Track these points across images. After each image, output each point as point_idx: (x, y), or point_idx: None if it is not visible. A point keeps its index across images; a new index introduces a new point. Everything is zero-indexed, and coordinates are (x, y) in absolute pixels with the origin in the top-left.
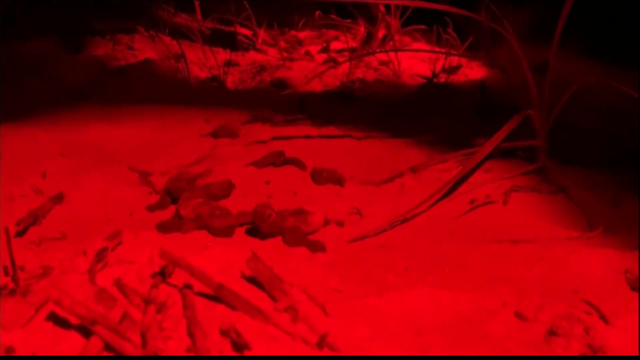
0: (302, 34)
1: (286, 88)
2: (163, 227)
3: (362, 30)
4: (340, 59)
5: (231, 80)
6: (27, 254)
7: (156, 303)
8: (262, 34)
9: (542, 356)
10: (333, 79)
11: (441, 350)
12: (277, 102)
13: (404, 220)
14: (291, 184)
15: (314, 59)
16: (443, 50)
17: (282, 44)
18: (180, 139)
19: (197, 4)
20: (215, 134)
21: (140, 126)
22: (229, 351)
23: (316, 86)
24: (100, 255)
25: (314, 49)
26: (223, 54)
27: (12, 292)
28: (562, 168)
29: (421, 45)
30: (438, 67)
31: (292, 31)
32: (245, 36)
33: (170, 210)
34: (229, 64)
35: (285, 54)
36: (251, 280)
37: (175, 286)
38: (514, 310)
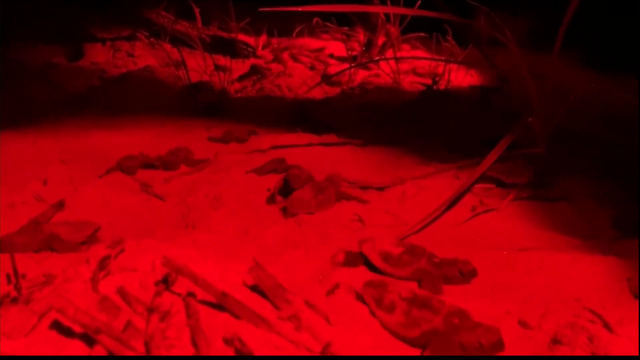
0: (302, 41)
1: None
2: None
3: (361, 37)
4: (341, 66)
5: (232, 88)
6: (29, 261)
7: (159, 311)
8: (262, 41)
9: (543, 356)
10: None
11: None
12: (277, 109)
13: (412, 233)
14: None
15: (314, 67)
16: (443, 58)
17: (283, 52)
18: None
19: (197, 11)
20: (216, 141)
21: (141, 133)
22: None
23: (317, 93)
24: (103, 263)
25: (313, 55)
26: (223, 61)
27: (15, 300)
28: (563, 175)
29: (421, 52)
30: (438, 75)
31: (292, 38)
32: (246, 43)
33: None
34: (222, 69)
35: (285, 61)
36: (254, 288)
37: (178, 294)
38: (518, 319)
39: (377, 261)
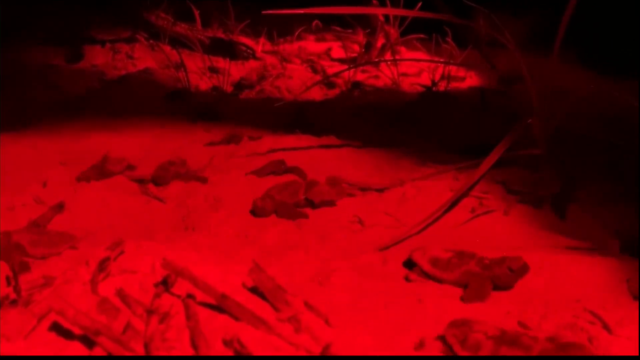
0: (301, 43)
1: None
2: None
3: (361, 39)
4: (341, 68)
5: (231, 89)
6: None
7: (159, 313)
8: (261, 43)
9: (542, 356)
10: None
11: None
12: (277, 111)
13: (412, 235)
14: None
15: (314, 68)
16: (442, 59)
17: (282, 53)
18: (181, 148)
19: (197, 13)
20: (216, 143)
21: (141, 135)
22: None
23: (316, 95)
24: (103, 264)
25: (313, 57)
26: (223, 63)
27: (14, 302)
28: (563, 176)
29: (420, 54)
30: (437, 76)
31: (292, 40)
32: (245, 45)
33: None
34: (221, 71)
35: (285, 63)
36: (253, 290)
37: (178, 296)
38: (518, 320)
39: (426, 267)
